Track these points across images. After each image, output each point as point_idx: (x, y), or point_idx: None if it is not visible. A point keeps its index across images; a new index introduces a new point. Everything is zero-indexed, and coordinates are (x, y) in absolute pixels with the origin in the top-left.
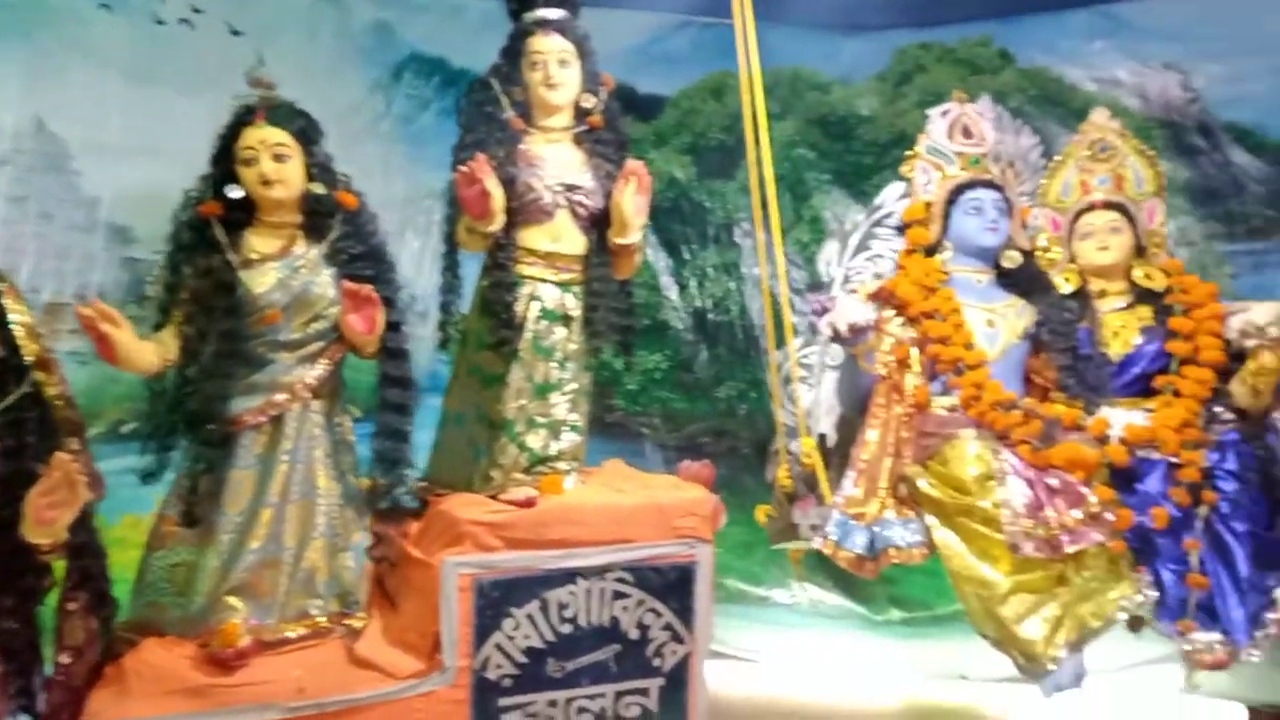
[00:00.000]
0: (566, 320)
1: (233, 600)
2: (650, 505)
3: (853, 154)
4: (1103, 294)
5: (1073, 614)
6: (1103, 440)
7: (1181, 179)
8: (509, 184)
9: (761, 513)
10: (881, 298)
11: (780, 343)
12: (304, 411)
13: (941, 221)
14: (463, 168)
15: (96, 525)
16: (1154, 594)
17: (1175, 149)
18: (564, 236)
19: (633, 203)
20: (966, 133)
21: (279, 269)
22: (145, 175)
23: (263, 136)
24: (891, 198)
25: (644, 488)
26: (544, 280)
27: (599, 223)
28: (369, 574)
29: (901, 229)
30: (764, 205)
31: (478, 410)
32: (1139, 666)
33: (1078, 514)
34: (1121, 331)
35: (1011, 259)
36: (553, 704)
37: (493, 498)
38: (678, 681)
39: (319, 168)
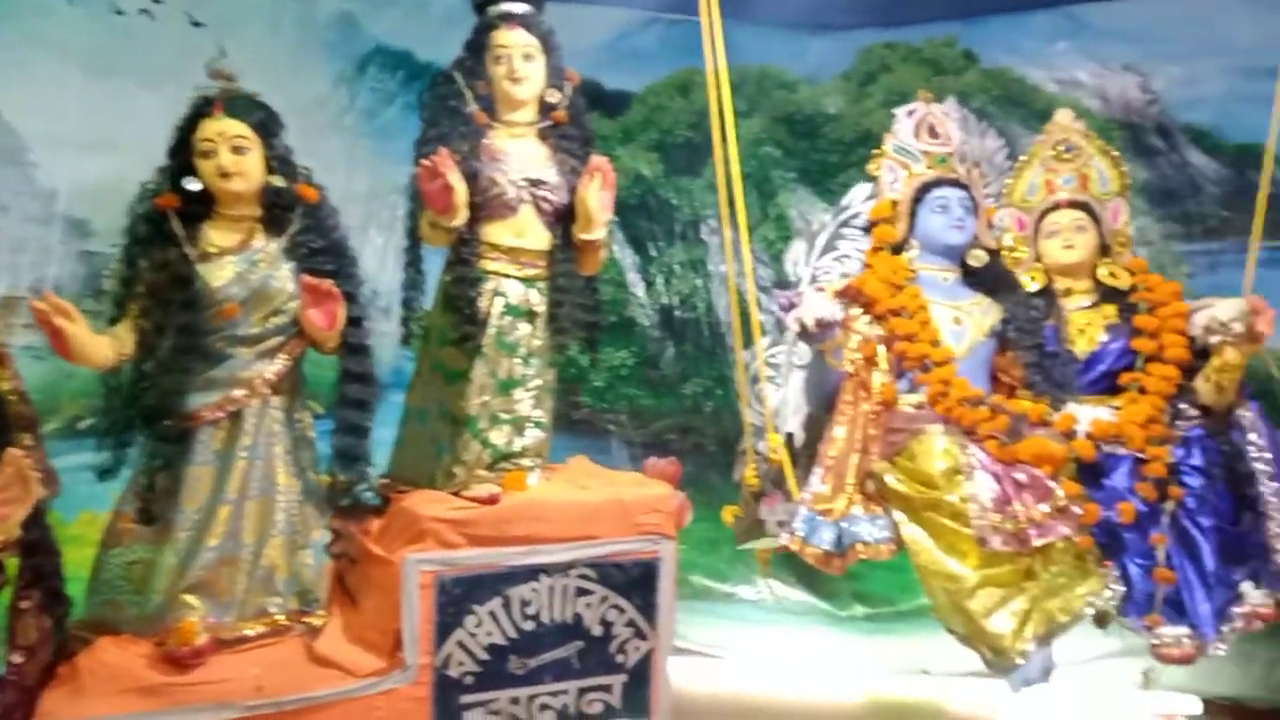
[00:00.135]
0: (531, 316)
1: (190, 598)
2: (614, 502)
3: (819, 152)
4: (1068, 292)
5: (1041, 608)
6: (1069, 435)
7: (1140, 179)
8: (472, 179)
9: (729, 513)
10: (849, 295)
11: (748, 342)
12: (263, 407)
13: (908, 219)
14: (425, 162)
15: (50, 523)
16: (1121, 589)
17: (1134, 150)
18: (528, 232)
19: (597, 198)
20: (932, 132)
21: (237, 263)
22: (103, 168)
23: (221, 128)
24: (859, 198)
25: (608, 484)
26: (508, 276)
27: (564, 218)
28: (330, 571)
29: (868, 228)
30: (731, 203)
31: (441, 406)
32: (1097, 661)
33: (1045, 508)
34: (1087, 329)
35: (977, 258)
36: (515, 701)
37: (455, 494)
38: (641, 678)
39: (279, 160)
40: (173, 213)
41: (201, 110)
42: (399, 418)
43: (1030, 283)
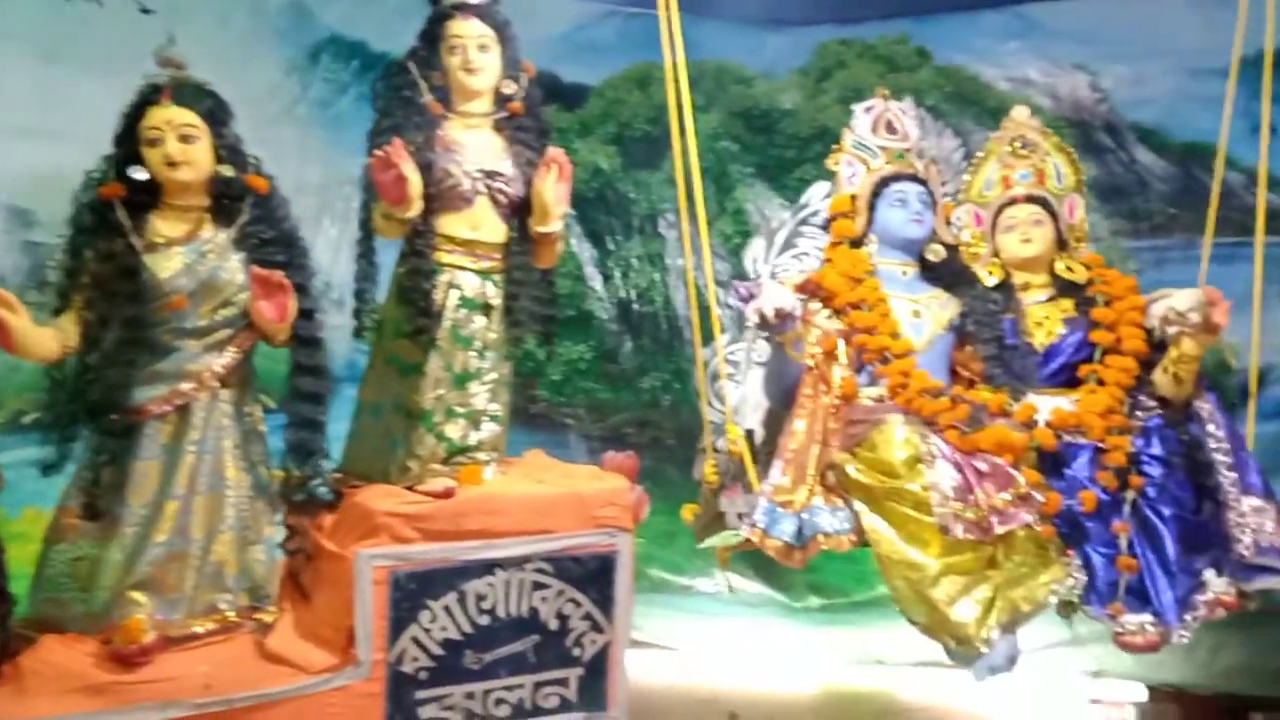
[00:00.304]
0: (486, 309)
1: (137, 595)
2: (571, 495)
3: (775, 147)
4: (1026, 286)
5: (1004, 597)
6: (1030, 425)
7: (1089, 177)
8: (426, 169)
9: (688, 511)
10: (808, 289)
11: (707, 338)
12: (212, 401)
13: (867, 214)
14: (378, 152)
15: None
16: (1083, 577)
17: (1084, 148)
18: (484, 224)
19: (554, 191)
20: (890, 128)
21: (185, 253)
22: (48, 157)
23: (169, 116)
24: (817, 196)
25: (565, 478)
26: (463, 268)
27: (520, 210)
28: (282, 567)
29: (827, 225)
30: (689, 197)
31: (395, 400)
32: (1044, 650)
33: (1007, 495)
34: (1045, 322)
35: (936, 253)
36: (470, 696)
37: (410, 489)
38: (597, 671)
39: (228, 150)
40: (119, 202)
41: (149, 98)
42: (352, 411)
43: (988, 277)
